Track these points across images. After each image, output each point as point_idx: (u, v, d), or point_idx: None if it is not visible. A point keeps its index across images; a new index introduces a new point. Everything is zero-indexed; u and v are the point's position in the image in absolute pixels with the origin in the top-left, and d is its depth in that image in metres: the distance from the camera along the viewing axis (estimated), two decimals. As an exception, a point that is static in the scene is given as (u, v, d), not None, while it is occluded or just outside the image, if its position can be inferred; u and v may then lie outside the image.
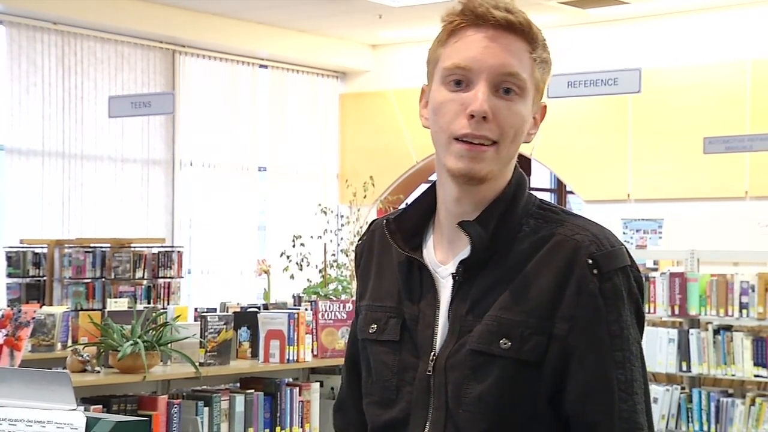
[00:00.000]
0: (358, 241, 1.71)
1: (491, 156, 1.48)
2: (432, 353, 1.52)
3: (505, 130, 1.48)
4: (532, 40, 1.51)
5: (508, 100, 1.49)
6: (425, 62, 1.56)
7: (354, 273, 1.77)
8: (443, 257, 1.55)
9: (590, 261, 1.47)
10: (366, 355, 1.62)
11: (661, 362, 6.57)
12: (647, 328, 6.71)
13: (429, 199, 1.59)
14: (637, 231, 9.35)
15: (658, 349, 6.58)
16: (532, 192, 1.57)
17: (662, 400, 6.55)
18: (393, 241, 1.56)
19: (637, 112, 10.64)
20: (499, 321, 1.47)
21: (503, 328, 1.47)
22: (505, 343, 1.46)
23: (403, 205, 1.66)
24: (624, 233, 9.13)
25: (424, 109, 1.57)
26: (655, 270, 7.98)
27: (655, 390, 6.58)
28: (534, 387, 1.47)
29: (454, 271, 1.52)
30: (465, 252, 1.52)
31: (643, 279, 1.56)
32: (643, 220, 9.19)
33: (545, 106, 1.57)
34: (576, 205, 13.61)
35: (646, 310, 6.68)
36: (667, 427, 6.53)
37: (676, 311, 6.55)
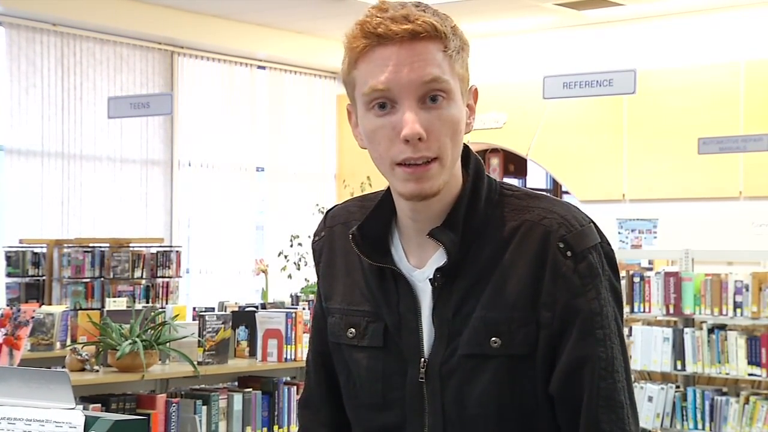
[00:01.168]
0: (315, 237, 1.65)
1: (436, 171, 1.45)
2: (422, 359, 1.50)
3: (442, 141, 1.44)
4: (441, 38, 1.44)
5: (437, 108, 1.44)
6: (342, 83, 1.53)
7: (315, 271, 1.71)
8: (416, 261, 1.53)
9: (561, 244, 1.46)
10: (342, 358, 1.60)
11: (656, 361, 6.61)
12: (641, 328, 6.76)
13: (388, 203, 1.55)
14: (632, 231, 9.39)
15: (653, 348, 6.61)
16: (490, 176, 1.54)
17: (657, 398, 6.58)
18: (362, 254, 1.53)
19: (632, 113, 10.67)
20: (485, 320, 1.46)
21: (490, 327, 1.46)
22: (495, 342, 1.46)
23: (351, 200, 1.63)
24: (619, 233, 9.17)
25: (356, 129, 1.52)
26: (650, 269, 8.02)
27: (650, 389, 6.62)
28: (531, 379, 1.47)
29: (431, 276, 1.50)
30: (438, 256, 1.50)
31: (614, 254, 1.53)
32: (638, 220, 9.22)
33: (476, 90, 1.52)
34: (573, 204, 13.63)
35: (641, 310, 6.73)
36: (662, 425, 6.57)
37: (671, 310, 6.58)
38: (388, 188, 1.55)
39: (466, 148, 1.53)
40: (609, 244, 1.52)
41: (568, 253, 1.46)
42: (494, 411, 1.47)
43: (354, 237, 1.53)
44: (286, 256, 10.05)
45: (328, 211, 1.66)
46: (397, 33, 1.43)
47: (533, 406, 1.48)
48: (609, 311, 1.48)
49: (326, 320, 1.62)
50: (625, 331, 6.68)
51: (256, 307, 5.97)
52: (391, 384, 1.53)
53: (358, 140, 1.52)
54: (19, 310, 4.56)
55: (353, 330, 1.56)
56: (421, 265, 1.53)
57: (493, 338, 1.46)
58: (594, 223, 1.51)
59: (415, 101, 1.43)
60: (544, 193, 1.56)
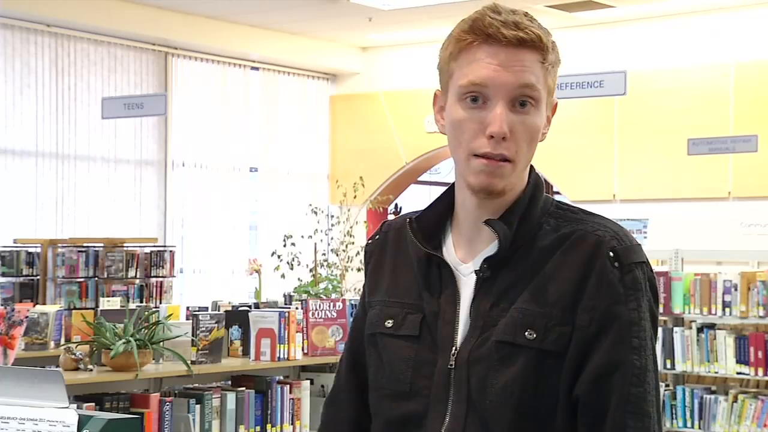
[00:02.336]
0: (369, 240, 1.73)
1: (508, 171, 1.53)
2: (453, 348, 1.55)
3: (521, 145, 1.52)
4: (543, 50, 1.54)
5: (524, 113, 1.52)
6: (437, 68, 1.60)
7: (363, 271, 1.77)
8: (464, 256, 1.59)
9: (611, 254, 1.51)
10: (377, 349, 1.64)
11: (646, 360, 6.65)
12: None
13: (447, 200, 1.63)
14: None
15: (642, 347, 6.65)
16: (548, 195, 1.62)
17: (647, 397, 6.63)
18: (416, 239, 1.60)
19: (623, 114, 10.72)
20: (524, 313, 1.51)
21: (528, 319, 1.50)
22: (530, 334, 1.50)
23: (406, 214, 1.69)
24: (610, 233, 9.19)
25: (438, 114, 1.61)
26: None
27: (640, 387, 6.65)
28: (556, 377, 1.50)
29: (477, 269, 1.56)
30: (487, 250, 1.56)
31: (656, 280, 1.58)
32: (628, 220, 9.25)
33: (556, 103, 1.60)
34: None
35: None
36: (651, 423, 6.62)
37: (661, 309, 6.62)
38: (451, 186, 1.63)
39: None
40: (653, 271, 1.57)
41: (616, 264, 1.51)
42: (515, 402, 1.50)
43: (410, 223, 1.61)
44: (279, 256, 10.08)
45: (385, 221, 1.76)
46: (506, 37, 1.51)
47: (553, 405, 1.51)
48: (647, 326, 1.52)
49: (365, 319, 1.68)
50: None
51: (250, 307, 6.00)
52: (421, 372, 1.57)
53: (439, 125, 1.61)
54: (13, 310, 4.58)
55: (391, 320, 1.62)
56: (468, 259, 1.59)
57: (529, 331, 1.50)
58: (642, 249, 1.57)
59: (506, 102, 1.52)
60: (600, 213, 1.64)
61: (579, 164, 10.96)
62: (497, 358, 1.51)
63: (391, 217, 7.74)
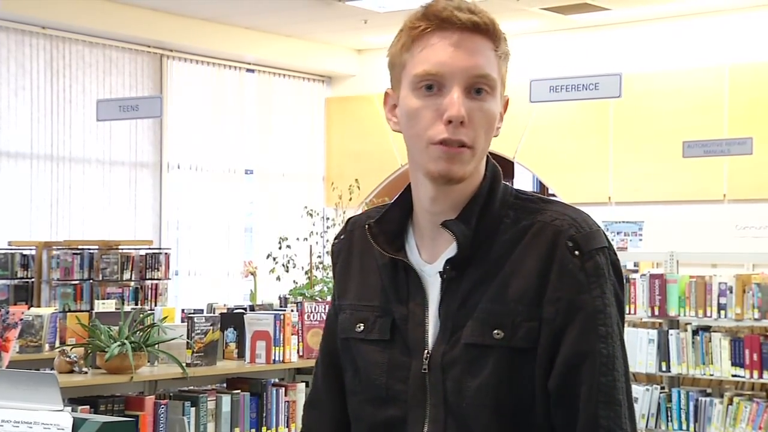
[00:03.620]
0: (335, 239, 1.70)
1: (468, 157, 1.50)
2: (425, 351, 1.53)
3: (478, 132, 1.50)
4: (496, 38, 1.52)
5: (480, 100, 1.50)
6: (387, 66, 1.58)
7: (332, 272, 1.75)
8: (428, 256, 1.56)
9: (570, 243, 1.49)
10: (350, 353, 1.62)
11: (641, 362, 6.64)
12: (628, 329, 6.80)
13: (406, 200, 1.60)
14: (617, 233, 9.45)
15: (638, 349, 6.65)
16: (506, 183, 1.59)
17: (642, 399, 6.63)
18: (377, 244, 1.57)
19: (618, 117, 10.73)
20: (490, 312, 1.49)
21: (494, 318, 1.48)
22: (498, 334, 1.48)
23: (372, 208, 1.68)
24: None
25: (390, 113, 1.59)
26: (636, 271, 8.05)
27: (636, 390, 6.67)
28: (530, 375, 1.49)
29: (441, 270, 1.54)
30: (450, 250, 1.53)
31: (620, 262, 1.56)
32: (623, 222, 9.27)
33: (508, 99, 1.58)
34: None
35: (627, 311, 6.77)
36: (647, 426, 6.62)
37: (656, 312, 6.62)
38: (407, 186, 1.60)
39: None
40: (616, 254, 1.54)
41: (576, 252, 1.49)
42: (492, 403, 1.49)
43: (370, 228, 1.58)
44: (274, 258, 10.08)
45: (350, 218, 1.72)
46: (461, 20, 1.49)
47: (530, 402, 1.49)
48: (612, 312, 1.49)
49: (337, 320, 1.66)
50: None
51: (245, 309, 5.99)
52: (396, 376, 1.55)
53: (391, 123, 1.59)
54: (7, 312, 4.57)
55: (362, 324, 1.60)
56: (432, 260, 1.56)
57: (496, 330, 1.48)
58: (603, 231, 1.54)
59: (462, 88, 1.49)
60: (558, 199, 1.61)
61: (574, 167, 10.97)
62: (469, 360, 1.50)
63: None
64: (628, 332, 6.74)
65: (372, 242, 1.57)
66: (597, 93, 7.82)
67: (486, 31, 1.50)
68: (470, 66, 1.49)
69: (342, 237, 1.69)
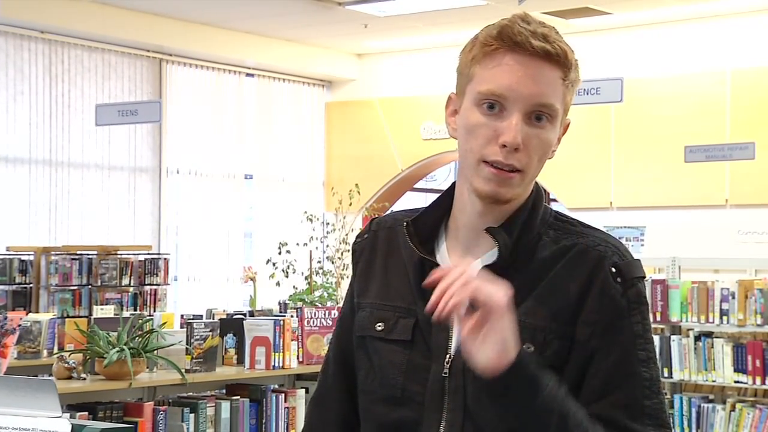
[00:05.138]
0: (357, 238, 1.72)
1: (517, 182, 1.53)
2: (447, 356, 1.54)
3: (532, 158, 1.53)
4: (567, 67, 1.53)
5: (540, 127, 1.52)
6: (456, 70, 1.59)
7: (352, 270, 1.71)
8: (458, 262, 1.56)
9: (613, 269, 1.51)
10: (366, 352, 1.62)
11: (643, 368, 6.63)
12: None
13: (445, 204, 1.62)
14: (619, 238, 9.43)
15: (639, 355, 6.64)
16: (547, 205, 1.62)
17: (644, 405, 6.61)
18: (412, 243, 1.59)
19: (619, 121, 10.72)
20: (523, 326, 1.48)
21: (527, 332, 1.49)
22: (528, 348, 1.48)
23: (399, 211, 1.70)
24: (607, 241, 9.20)
25: (451, 117, 1.61)
26: (637, 277, 8.03)
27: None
28: None
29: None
30: (487, 257, 1.56)
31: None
32: (625, 227, 9.26)
33: (569, 123, 1.60)
34: (561, 212, 13.66)
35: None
36: (648, 432, 6.60)
37: (658, 318, 6.61)
38: (449, 189, 1.63)
39: None
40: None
41: (618, 279, 1.51)
42: (513, 417, 1.48)
43: (408, 226, 1.60)
44: (274, 264, 10.05)
45: (374, 218, 1.74)
46: (534, 47, 1.51)
47: None
48: (651, 338, 1.54)
49: (353, 318, 1.67)
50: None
51: (244, 315, 5.97)
52: (413, 378, 1.56)
53: (449, 128, 1.61)
54: (6, 318, 4.54)
55: (382, 324, 1.61)
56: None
57: (527, 344, 1.48)
58: (641, 264, 1.58)
59: (522, 114, 1.51)
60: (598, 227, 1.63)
61: (575, 172, 10.95)
62: None
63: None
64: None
65: (407, 240, 1.59)
66: (598, 98, 7.82)
67: (557, 60, 1.52)
68: (534, 94, 1.51)
69: (365, 236, 1.70)
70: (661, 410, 1.50)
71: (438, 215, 1.62)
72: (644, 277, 1.56)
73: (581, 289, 1.51)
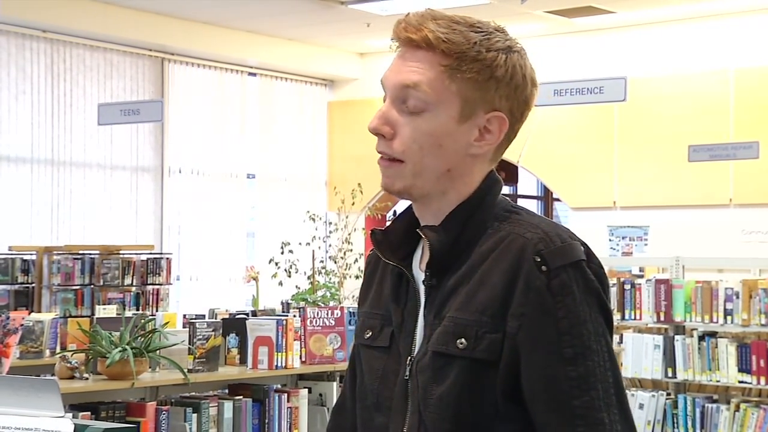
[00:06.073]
0: (371, 250, 1.71)
1: (399, 172, 1.51)
2: (409, 358, 1.54)
3: (409, 146, 1.49)
4: (446, 53, 1.49)
5: (412, 113, 1.50)
6: None
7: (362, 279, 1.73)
8: (424, 265, 1.57)
9: (537, 258, 1.45)
10: (359, 360, 1.64)
11: (647, 368, 6.61)
12: (632, 335, 6.76)
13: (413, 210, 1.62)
14: (622, 238, 9.41)
15: (643, 355, 6.62)
16: (505, 197, 1.58)
17: (648, 406, 6.59)
18: (379, 250, 1.59)
19: (623, 121, 10.71)
20: (455, 321, 1.48)
21: (459, 328, 1.47)
22: (461, 343, 1.46)
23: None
24: (610, 240, 9.20)
25: None
26: (641, 277, 8.02)
27: (641, 396, 6.63)
28: (492, 386, 1.46)
29: (422, 278, 1.55)
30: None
31: (605, 274, 1.51)
32: (628, 227, 9.24)
33: (501, 117, 1.53)
34: (563, 212, 13.66)
35: (631, 317, 6.73)
36: (653, 432, 6.58)
37: (662, 317, 6.59)
38: None
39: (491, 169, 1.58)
40: (599, 266, 1.50)
41: (543, 268, 1.45)
42: (451, 414, 1.47)
43: (374, 235, 1.58)
44: (276, 263, 10.04)
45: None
46: (400, 38, 1.52)
47: (492, 415, 1.47)
48: (587, 329, 1.45)
49: None
50: (615, 338, 6.69)
51: (247, 315, 5.96)
52: (386, 383, 1.56)
53: None
54: (8, 318, 4.53)
55: (370, 332, 1.62)
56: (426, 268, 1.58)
57: (460, 339, 1.47)
58: (580, 243, 1.49)
59: (392, 101, 1.51)
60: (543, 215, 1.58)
61: (578, 171, 10.94)
62: (435, 368, 1.49)
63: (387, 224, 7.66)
64: (633, 338, 6.70)
65: (375, 248, 1.59)
66: (602, 97, 7.81)
67: (427, 47, 1.49)
68: (399, 79, 1.50)
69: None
70: (592, 407, 1.43)
71: (410, 220, 1.59)
72: (577, 261, 1.46)
73: (507, 280, 1.46)
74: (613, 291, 6.81)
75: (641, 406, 6.59)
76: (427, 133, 1.50)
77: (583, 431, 1.43)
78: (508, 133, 1.55)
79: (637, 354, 6.63)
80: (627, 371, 6.55)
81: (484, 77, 1.50)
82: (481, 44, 1.51)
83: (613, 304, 6.76)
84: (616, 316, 6.76)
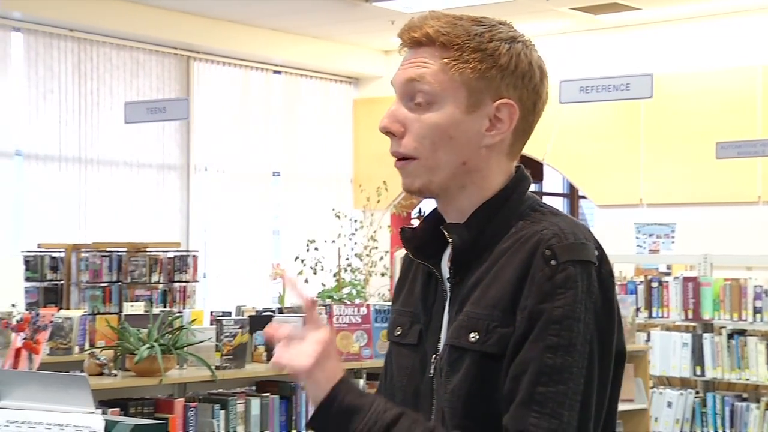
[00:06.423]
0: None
1: (414, 169, 1.51)
2: (434, 356, 1.54)
3: (421, 143, 1.50)
4: (444, 46, 1.50)
5: (421, 109, 1.51)
6: None
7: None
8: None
9: (547, 252, 1.44)
10: (390, 356, 1.65)
11: (675, 366, 6.58)
12: (660, 333, 6.71)
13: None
14: (649, 236, 9.33)
15: (671, 353, 6.59)
16: (532, 195, 1.57)
17: (676, 404, 6.55)
18: (408, 248, 1.59)
19: (649, 118, 10.64)
20: (468, 315, 1.48)
21: (472, 321, 1.48)
22: (473, 337, 1.47)
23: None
24: (637, 238, 9.14)
25: None
26: (668, 274, 7.97)
27: (669, 394, 6.59)
28: (499, 380, 1.45)
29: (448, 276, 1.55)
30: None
31: (614, 284, 1.48)
32: (655, 224, 9.16)
33: (510, 104, 1.52)
34: (588, 209, 13.59)
35: (659, 315, 6.69)
36: (681, 431, 6.54)
37: (690, 315, 6.55)
38: None
39: (519, 165, 1.58)
40: (611, 274, 1.48)
41: (552, 262, 1.44)
42: (461, 407, 1.47)
43: (403, 233, 1.58)
44: (302, 261, 10.06)
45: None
46: (404, 39, 1.55)
47: (500, 410, 1.45)
48: (577, 327, 1.42)
49: None
50: (643, 336, 6.65)
51: (273, 312, 5.97)
52: (414, 381, 1.57)
53: None
54: (37, 315, 4.57)
55: (400, 329, 1.62)
56: None
57: (473, 333, 1.47)
58: (594, 246, 1.47)
59: (401, 99, 1.53)
60: (567, 214, 1.57)
61: (605, 168, 10.88)
62: (450, 362, 1.50)
63: (415, 222, 7.68)
64: (661, 335, 6.66)
65: (403, 246, 1.59)
66: (628, 93, 7.77)
67: (427, 44, 1.51)
68: (405, 76, 1.52)
69: None
70: (556, 401, 1.39)
71: (437, 219, 1.59)
72: (588, 262, 1.44)
73: (518, 275, 1.45)
74: (641, 289, 6.76)
75: (669, 405, 6.55)
76: (437, 125, 1.50)
77: (536, 418, 1.40)
78: (522, 123, 1.54)
79: (664, 352, 6.60)
80: (654, 369, 6.51)
81: (487, 66, 1.50)
82: (483, 35, 1.52)
83: (641, 301, 6.72)
84: (644, 314, 6.72)
